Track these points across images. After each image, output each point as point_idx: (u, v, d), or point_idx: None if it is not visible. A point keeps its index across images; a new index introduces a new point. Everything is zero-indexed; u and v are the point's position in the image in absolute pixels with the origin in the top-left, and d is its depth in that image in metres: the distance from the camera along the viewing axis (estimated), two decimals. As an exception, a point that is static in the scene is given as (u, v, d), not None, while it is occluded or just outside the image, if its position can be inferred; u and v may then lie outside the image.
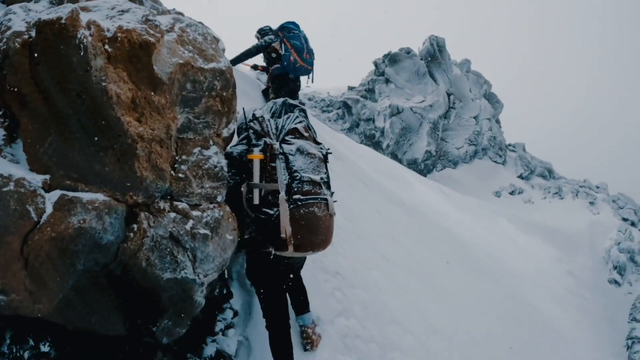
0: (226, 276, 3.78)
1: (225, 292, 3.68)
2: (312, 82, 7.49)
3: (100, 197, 2.27)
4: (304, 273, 4.00)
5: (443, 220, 10.19)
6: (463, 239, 9.96)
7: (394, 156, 23.81)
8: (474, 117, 28.76)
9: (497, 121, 31.20)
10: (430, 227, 8.86)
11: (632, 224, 20.97)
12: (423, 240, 7.85)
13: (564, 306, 12.34)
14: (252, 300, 3.88)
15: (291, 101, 3.57)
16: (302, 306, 4.00)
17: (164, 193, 2.53)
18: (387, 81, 27.67)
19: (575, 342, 10.91)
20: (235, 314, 3.70)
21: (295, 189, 3.02)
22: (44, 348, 2.47)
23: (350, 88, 29.82)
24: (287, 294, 3.76)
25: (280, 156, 3.09)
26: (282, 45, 7.07)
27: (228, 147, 3.24)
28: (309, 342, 3.94)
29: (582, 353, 10.94)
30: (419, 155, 25.66)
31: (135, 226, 2.40)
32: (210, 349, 3.35)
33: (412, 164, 24.32)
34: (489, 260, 10.14)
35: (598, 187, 25.24)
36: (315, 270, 4.73)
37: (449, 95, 28.39)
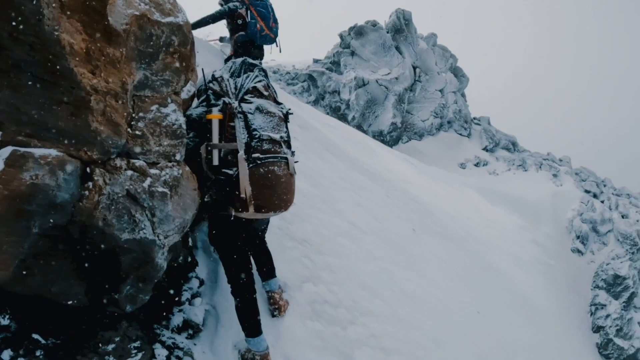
0: (191, 244, 3.73)
1: (190, 260, 3.64)
2: (280, 51, 7.42)
3: (53, 152, 2.18)
4: (270, 240, 3.99)
5: (409, 188, 10.32)
6: (429, 206, 10.12)
7: (360, 128, 23.92)
8: (440, 91, 29.09)
9: (463, 95, 31.66)
10: (396, 194, 8.96)
11: (594, 195, 21.75)
12: (389, 207, 7.94)
13: (530, 273, 12.75)
14: (217, 268, 3.83)
15: (251, 60, 3.51)
16: (268, 272, 3.98)
17: (121, 150, 2.46)
18: (353, 54, 27.63)
19: (541, 307, 11.33)
20: (202, 282, 3.65)
21: (255, 148, 3.00)
22: (4, 321, 2.38)
23: (316, 61, 29.66)
24: (252, 260, 3.74)
25: (239, 115, 3.05)
26: (248, 12, 6.94)
27: (187, 111, 3.18)
28: (276, 308, 3.94)
29: (548, 318, 11.37)
30: (384, 127, 25.85)
31: (90, 184, 2.32)
32: (177, 319, 3.31)
33: (378, 136, 24.49)
34: (455, 227, 10.35)
35: (561, 160, 26.00)
36: (282, 237, 4.72)
37: (414, 68, 28.56)
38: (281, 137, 3.20)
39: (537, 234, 15.78)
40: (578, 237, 17.87)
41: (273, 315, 3.94)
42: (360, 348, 4.51)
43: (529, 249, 14.41)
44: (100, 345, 2.66)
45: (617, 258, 17.73)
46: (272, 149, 3.10)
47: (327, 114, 23.63)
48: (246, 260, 3.49)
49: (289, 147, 3.29)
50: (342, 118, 24.72)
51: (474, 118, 31.12)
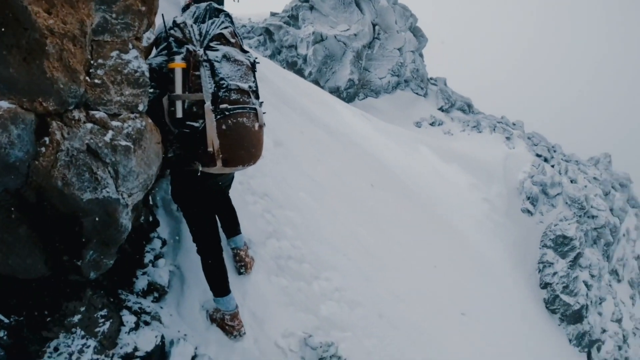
0: (151, 203, 3.61)
1: (151, 219, 3.52)
2: (238, 1, 7.11)
3: (4, 104, 1.99)
4: (231, 196, 3.91)
5: (367, 144, 10.35)
6: (387, 162, 10.21)
7: (317, 84, 23.72)
8: (398, 49, 29.11)
9: (421, 55, 31.82)
10: (354, 150, 8.99)
11: (545, 160, 22.58)
12: (348, 162, 7.96)
13: (481, 229, 13.22)
14: (180, 227, 3.73)
15: (216, 5, 3.30)
16: (233, 228, 3.90)
17: (79, 100, 2.27)
18: (312, 8, 27.12)
19: (492, 262, 11.81)
20: (164, 243, 3.54)
21: (222, 98, 2.84)
22: (-42, 305, 2.24)
23: (273, 14, 28.98)
24: (217, 216, 3.66)
25: (204, 63, 2.86)
26: None
27: (146, 60, 2.97)
28: (242, 265, 3.90)
29: (499, 273, 11.89)
30: (341, 84, 25.78)
31: (46, 139, 2.13)
32: (141, 282, 3.22)
33: (335, 92, 24.39)
34: (411, 184, 10.52)
35: (514, 125, 26.72)
36: (243, 192, 4.66)
37: (374, 25, 28.38)
38: (249, 87, 3.04)
39: (488, 193, 16.31)
40: (528, 198, 18.58)
41: (240, 273, 3.90)
42: (325, 302, 4.60)
43: (480, 206, 14.90)
44: (65, 317, 2.54)
45: (565, 220, 18.55)
46: (241, 99, 2.93)
47: (284, 68, 23.28)
48: (211, 217, 3.41)
49: (257, 97, 3.13)
50: (299, 73, 24.40)
51: (431, 78, 31.41)
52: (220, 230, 3.72)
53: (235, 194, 4.03)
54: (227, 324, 3.43)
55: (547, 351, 13.21)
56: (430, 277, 7.03)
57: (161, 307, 3.30)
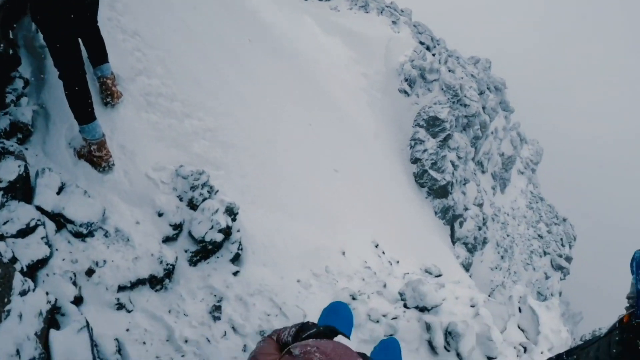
0: (11, 36, 3.40)
1: (12, 53, 3.34)
2: None
3: None
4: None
5: (248, 3, 10.06)
6: (266, 22, 10.07)
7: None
8: None
9: None
10: (233, 6, 8.75)
11: (427, 48, 23.46)
12: (224, 15, 7.79)
13: (357, 101, 13.81)
14: (44, 65, 3.59)
15: None
16: (100, 56, 3.80)
17: None
18: None
19: (365, 132, 12.53)
20: (27, 82, 3.40)
21: None
22: None
23: None
24: (83, 46, 3.56)
25: None
26: None
27: None
28: (109, 94, 3.86)
29: (372, 143, 12.68)
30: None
31: None
32: (3, 122, 3.11)
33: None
34: (290, 47, 10.57)
35: (403, 11, 27.07)
36: (113, 30, 4.49)
37: None
38: None
39: (368, 69, 16.82)
40: (406, 80, 19.50)
41: (106, 104, 3.87)
42: (198, 141, 4.75)
43: (359, 80, 15.41)
44: None
45: (439, 104, 19.87)
46: None
47: None
48: (74, 39, 3.30)
49: None
50: None
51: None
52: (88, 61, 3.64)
53: (103, 30, 3.88)
54: (95, 155, 3.44)
55: (414, 215, 14.70)
56: (305, 132, 7.41)
57: (26, 149, 3.27)
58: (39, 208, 3.05)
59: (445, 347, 4.38)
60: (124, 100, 4.04)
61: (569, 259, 37.82)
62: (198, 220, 3.86)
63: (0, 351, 2.41)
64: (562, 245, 38.49)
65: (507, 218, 35.13)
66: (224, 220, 3.95)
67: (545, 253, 36.85)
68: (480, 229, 24.03)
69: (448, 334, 4.39)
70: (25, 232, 2.88)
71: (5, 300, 2.48)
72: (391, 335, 4.30)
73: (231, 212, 4.15)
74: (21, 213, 2.89)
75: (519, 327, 5.66)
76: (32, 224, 2.91)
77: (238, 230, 4.21)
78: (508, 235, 33.90)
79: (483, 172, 31.70)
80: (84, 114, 3.30)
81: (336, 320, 2.74)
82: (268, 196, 5.41)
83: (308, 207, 6.30)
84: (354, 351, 1.41)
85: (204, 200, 4.00)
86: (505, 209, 35.55)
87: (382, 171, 12.83)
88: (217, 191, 4.20)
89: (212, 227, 3.86)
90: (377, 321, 4.44)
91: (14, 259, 2.68)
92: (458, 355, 4.35)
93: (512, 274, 31.54)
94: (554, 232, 38.86)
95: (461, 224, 22.03)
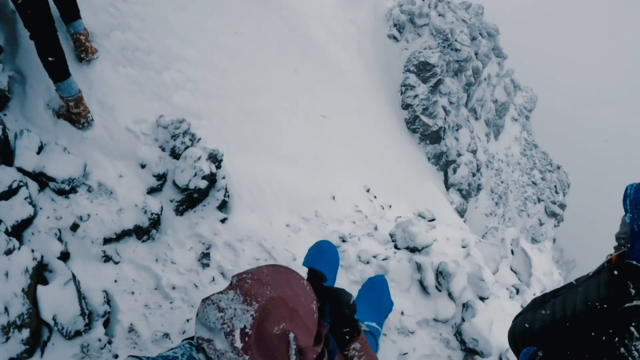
0: None
1: None
2: None
3: None
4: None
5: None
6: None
7: None
8: None
9: None
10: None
11: (416, -8, 22.83)
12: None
13: (345, 49, 13.54)
14: (16, 31, 3.52)
15: None
16: (71, 13, 3.72)
17: None
18: None
19: (355, 80, 12.36)
20: (1, 49, 3.35)
21: None
22: None
23: None
24: (54, 4, 3.49)
25: None
26: None
27: None
28: (83, 50, 3.79)
29: (362, 90, 12.52)
30: None
31: None
32: None
33: None
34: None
35: (390, -45, 26.25)
36: (83, -14, 4.35)
37: None
38: None
39: (356, 15, 16.34)
40: (395, 25, 19.07)
41: (81, 60, 3.80)
42: (178, 92, 4.69)
43: (347, 27, 15.01)
44: None
45: (429, 49, 19.51)
46: None
47: None
48: None
49: None
50: None
51: None
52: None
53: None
54: (73, 112, 3.43)
55: (407, 161, 14.70)
56: (289, 79, 7.30)
57: (5, 115, 3.24)
58: (20, 169, 3.08)
59: (436, 287, 4.41)
60: (99, 57, 3.97)
61: (562, 206, 38.20)
62: (181, 168, 3.83)
63: (-12, 309, 2.47)
64: (556, 192, 38.79)
65: (501, 165, 35.24)
66: (207, 167, 3.92)
67: (539, 200, 37.16)
68: (474, 175, 24.09)
69: (439, 273, 4.41)
70: (8, 194, 2.90)
71: (-9, 260, 2.51)
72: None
73: (215, 159, 4.11)
74: (2, 176, 2.91)
75: (511, 269, 5.73)
76: (15, 185, 2.93)
77: (223, 177, 4.19)
78: (502, 182, 34.07)
79: (476, 118, 31.56)
80: (58, 72, 3.27)
81: (320, 259, 2.74)
82: (254, 144, 5.38)
83: (296, 153, 6.29)
84: (297, 275, 1.36)
85: (186, 148, 3.97)
86: (499, 156, 35.61)
87: (372, 117, 12.75)
88: (200, 139, 4.16)
89: (195, 175, 3.83)
90: (368, 262, 4.47)
91: (-2, 221, 2.69)
92: (449, 294, 4.38)
93: (506, 220, 31.89)
94: (548, 179, 39.07)
95: (455, 170, 22.05)
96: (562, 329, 2.29)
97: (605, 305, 2.07)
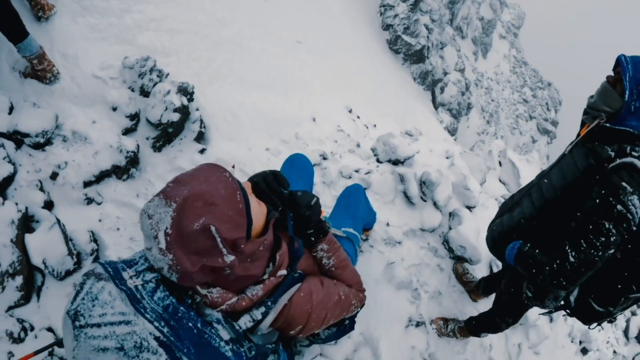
0: None
1: None
2: None
3: None
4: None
5: None
6: None
7: None
8: None
9: None
10: None
11: None
12: None
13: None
14: None
15: None
16: None
17: None
18: None
19: (328, 0, 12.03)
20: None
21: None
22: None
23: None
24: None
25: None
26: None
27: None
28: (39, 9, 3.73)
29: (336, 12, 12.19)
30: None
31: None
32: None
33: None
34: None
35: None
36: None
37: None
38: None
39: None
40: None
41: (39, 18, 3.75)
42: (142, 33, 4.61)
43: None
44: None
45: (406, -34, 18.91)
46: None
47: None
48: None
49: None
50: None
51: None
52: None
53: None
54: (38, 69, 3.46)
55: (391, 82, 14.55)
56: (260, 6, 7.12)
57: None
58: None
59: (421, 197, 4.48)
60: (57, 12, 3.90)
61: (555, 123, 38.23)
62: (152, 105, 3.83)
63: (-20, 263, 2.54)
64: (548, 109, 38.75)
65: (491, 83, 35.04)
66: (177, 100, 3.93)
67: (531, 117, 37.19)
68: (463, 94, 23.98)
69: (422, 183, 4.47)
70: None
71: (-23, 218, 2.62)
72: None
73: (185, 91, 4.11)
74: None
75: (500, 181, 5.80)
76: None
77: (197, 109, 4.20)
78: (493, 100, 33.99)
79: (463, 37, 31.11)
80: (16, 33, 3.26)
81: (292, 171, 2.78)
82: (226, 74, 5.36)
83: (271, 79, 6.25)
84: (219, 169, 1.39)
85: (154, 85, 3.96)
86: (489, 74, 35.35)
87: (351, 40, 12.50)
88: (168, 74, 4.16)
89: (166, 109, 3.83)
90: (350, 177, 4.52)
91: (-21, 184, 2.78)
92: (434, 204, 4.45)
93: (499, 138, 32.00)
94: (539, 97, 38.96)
95: (442, 90, 21.94)
96: (545, 215, 2.35)
97: (587, 174, 2.12)
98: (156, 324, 1.19)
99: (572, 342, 4.67)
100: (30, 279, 2.81)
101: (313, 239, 1.82)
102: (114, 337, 1.17)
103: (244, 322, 1.44)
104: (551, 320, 4.46)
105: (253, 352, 1.45)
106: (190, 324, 1.27)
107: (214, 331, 1.33)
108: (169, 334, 1.19)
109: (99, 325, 1.19)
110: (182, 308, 1.29)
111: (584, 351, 4.85)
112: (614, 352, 5.32)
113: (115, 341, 1.16)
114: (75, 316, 1.21)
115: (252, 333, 1.51)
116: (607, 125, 2.13)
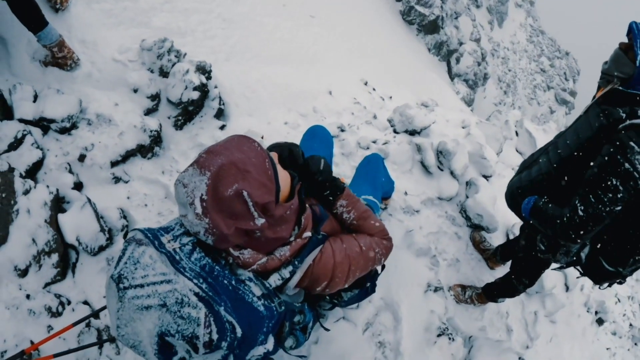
0: None
1: None
2: None
3: None
4: None
5: None
6: None
7: None
8: None
9: None
10: None
11: None
12: None
13: None
14: None
15: None
16: None
17: None
18: None
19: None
20: None
21: None
22: None
23: None
24: None
25: None
26: None
27: None
28: (56, 1, 3.79)
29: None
30: None
31: None
32: None
33: None
34: None
35: None
36: None
37: None
38: None
39: None
40: None
41: (57, 10, 3.83)
42: (157, 15, 4.70)
43: None
44: None
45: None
46: None
47: None
48: None
49: None
50: None
51: None
52: None
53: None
54: (58, 57, 3.55)
55: (406, 53, 14.37)
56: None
57: None
58: (21, 120, 3.29)
59: (438, 167, 4.53)
60: (72, 1, 3.98)
61: (573, 94, 37.53)
62: (172, 84, 3.95)
63: (20, 244, 2.70)
64: (566, 79, 38.02)
65: (508, 53, 34.45)
66: (197, 79, 4.03)
67: (549, 87, 36.55)
68: (479, 64, 23.63)
69: (439, 153, 4.52)
70: (15, 144, 3.12)
71: (12, 202, 2.78)
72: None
73: (203, 70, 4.21)
74: (6, 130, 3.12)
75: (516, 150, 5.80)
76: (19, 135, 3.14)
77: (216, 87, 4.29)
78: (510, 70, 33.45)
79: (477, 6, 30.59)
80: (35, 22, 3.34)
81: (313, 142, 2.88)
82: (242, 51, 5.44)
83: (287, 54, 6.33)
84: (249, 139, 1.49)
85: (173, 65, 4.06)
86: (505, 44, 34.74)
87: (364, 13, 12.42)
88: (185, 54, 4.24)
89: (186, 88, 3.95)
90: (367, 147, 4.60)
91: (11, 169, 2.93)
92: (451, 173, 4.50)
93: (516, 108, 31.55)
94: (556, 66, 38.22)
95: (458, 60, 21.64)
96: (561, 171, 2.43)
97: (600, 133, 2.21)
98: (195, 281, 1.29)
99: (588, 311, 4.74)
100: (65, 256, 2.96)
101: (331, 198, 1.92)
102: (156, 296, 1.26)
103: (274, 280, 1.55)
104: (567, 289, 4.53)
105: (283, 307, 1.57)
106: (226, 281, 1.37)
107: (247, 288, 1.44)
108: (207, 289, 1.29)
109: (142, 286, 1.29)
110: (217, 267, 1.40)
111: (600, 321, 4.91)
112: (630, 325, 5.37)
113: (158, 299, 1.26)
114: (119, 279, 1.31)
115: (281, 292, 1.62)
116: (620, 88, 2.22)
